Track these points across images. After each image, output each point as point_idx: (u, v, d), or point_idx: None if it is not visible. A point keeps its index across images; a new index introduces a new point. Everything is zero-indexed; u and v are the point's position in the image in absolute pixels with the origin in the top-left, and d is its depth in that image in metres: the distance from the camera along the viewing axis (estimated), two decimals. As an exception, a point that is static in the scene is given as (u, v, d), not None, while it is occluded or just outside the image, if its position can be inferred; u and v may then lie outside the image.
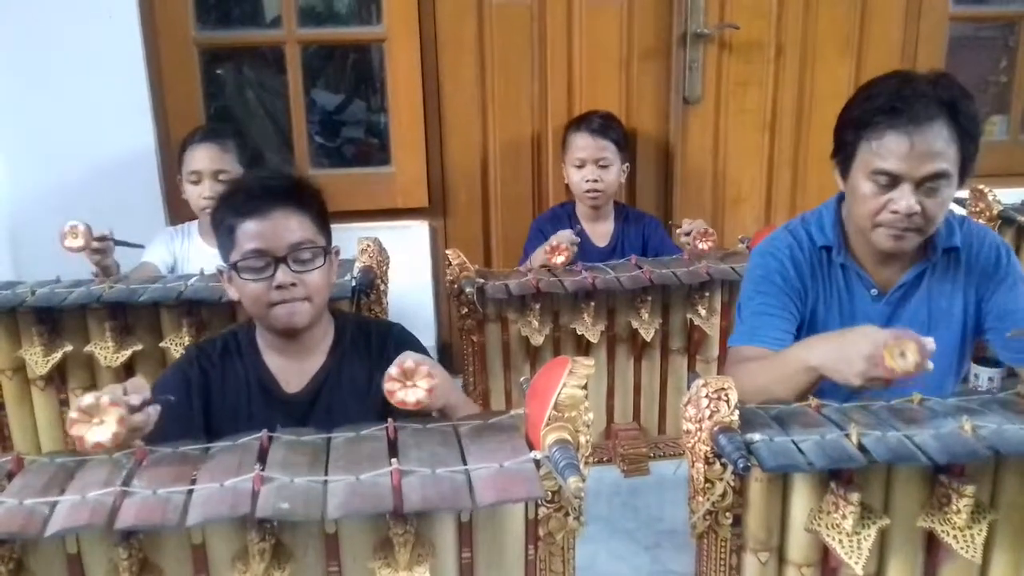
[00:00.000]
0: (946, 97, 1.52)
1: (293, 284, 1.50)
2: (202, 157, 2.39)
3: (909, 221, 1.54)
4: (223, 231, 1.55)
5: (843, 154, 1.63)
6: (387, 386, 1.26)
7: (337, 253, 1.65)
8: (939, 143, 1.50)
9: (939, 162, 1.51)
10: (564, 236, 2.34)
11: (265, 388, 1.60)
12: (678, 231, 2.49)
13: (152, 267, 2.38)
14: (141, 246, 2.38)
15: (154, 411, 1.25)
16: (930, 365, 1.29)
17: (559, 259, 2.29)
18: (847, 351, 1.35)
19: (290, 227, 1.51)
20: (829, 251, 1.71)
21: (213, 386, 1.59)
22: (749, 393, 1.33)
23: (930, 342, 1.29)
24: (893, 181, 1.54)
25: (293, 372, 1.61)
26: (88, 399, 1.14)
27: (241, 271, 1.52)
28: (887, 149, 1.53)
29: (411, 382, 1.26)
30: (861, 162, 1.58)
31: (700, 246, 2.36)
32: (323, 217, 1.60)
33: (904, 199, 1.53)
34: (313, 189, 1.62)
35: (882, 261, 1.68)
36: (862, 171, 1.58)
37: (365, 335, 1.67)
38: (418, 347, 1.68)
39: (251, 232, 1.50)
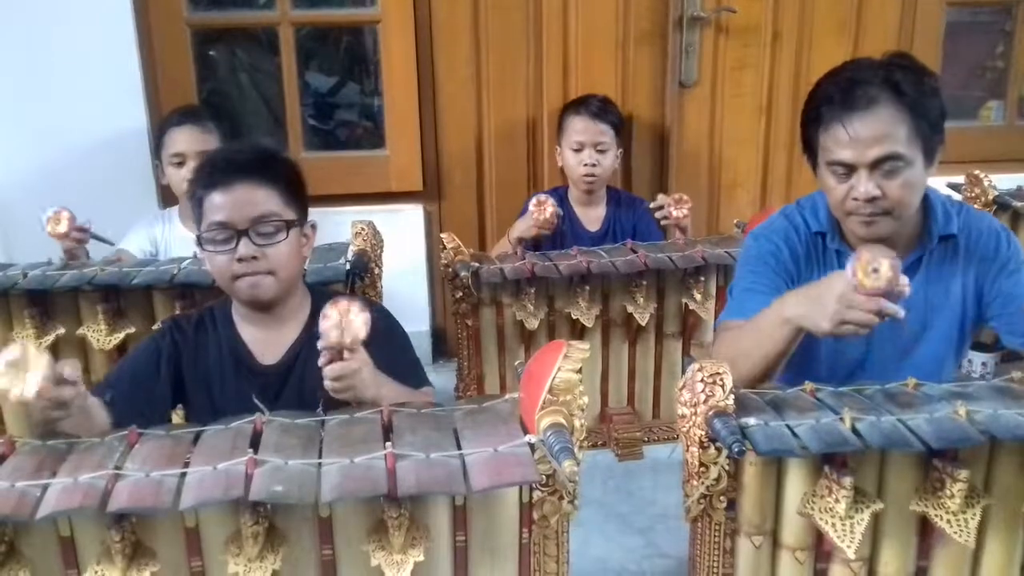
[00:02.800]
0: (889, 78, 1.51)
1: (255, 257, 1.51)
2: (184, 139, 2.36)
3: (874, 206, 1.54)
4: (194, 204, 1.57)
5: (808, 150, 1.65)
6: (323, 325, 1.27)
7: (313, 227, 1.65)
8: (882, 126, 1.50)
9: (886, 144, 1.50)
10: (544, 195, 2.37)
11: (239, 360, 1.61)
12: (652, 205, 2.49)
13: (128, 255, 2.35)
14: (112, 243, 2.34)
15: (80, 392, 1.23)
16: (906, 285, 1.33)
17: (547, 212, 2.30)
18: (818, 295, 1.38)
19: (253, 200, 1.51)
20: (824, 237, 1.71)
21: (185, 358, 1.60)
22: (733, 359, 1.33)
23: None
24: (848, 170, 1.54)
25: (267, 344, 1.62)
26: (14, 352, 1.13)
27: (205, 243, 1.53)
28: (833, 139, 1.54)
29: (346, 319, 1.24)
30: (820, 156, 1.60)
31: (675, 213, 2.35)
32: (293, 190, 1.59)
33: (861, 185, 1.53)
34: (284, 162, 1.61)
35: None
36: (822, 164, 1.60)
37: None
38: (396, 327, 1.69)
39: (215, 204, 1.51)
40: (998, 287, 1.64)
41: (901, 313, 1.34)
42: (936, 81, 1.56)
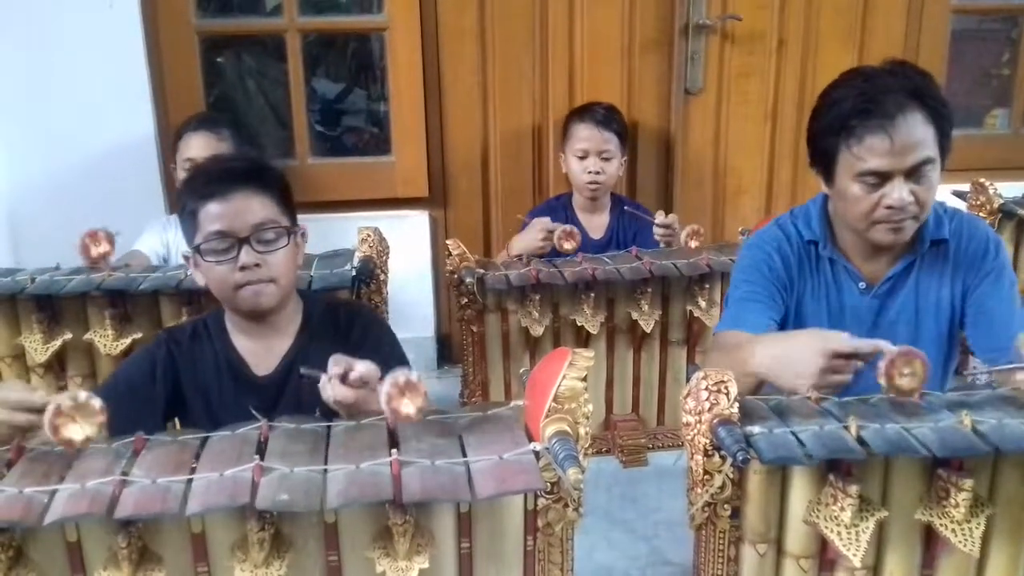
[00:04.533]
0: (910, 85, 1.53)
1: (257, 265, 1.50)
2: (197, 145, 2.39)
3: (904, 211, 1.55)
4: (186, 216, 1.55)
5: (823, 162, 1.63)
6: (385, 394, 1.17)
7: (304, 235, 1.64)
8: (917, 132, 1.52)
9: (922, 150, 1.52)
10: (546, 223, 2.38)
11: (235, 371, 1.60)
12: (659, 221, 2.47)
13: (142, 255, 2.37)
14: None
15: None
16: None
17: (570, 245, 2.30)
18: (794, 361, 1.34)
19: (252, 208, 1.50)
20: (816, 245, 1.72)
21: (182, 369, 1.60)
22: None
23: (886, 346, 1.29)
24: (883, 178, 1.54)
25: (262, 354, 1.61)
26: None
27: (205, 254, 1.52)
28: (869, 150, 1.53)
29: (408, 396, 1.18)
30: (845, 167, 1.58)
31: (691, 244, 2.36)
32: (286, 198, 1.59)
33: (897, 192, 1.53)
34: (275, 171, 1.62)
35: (869, 255, 1.68)
36: (848, 175, 1.58)
37: (333, 316, 1.67)
38: (385, 331, 1.69)
39: (213, 214, 1.49)
40: (976, 295, 1.65)
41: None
42: (939, 86, 1.58)
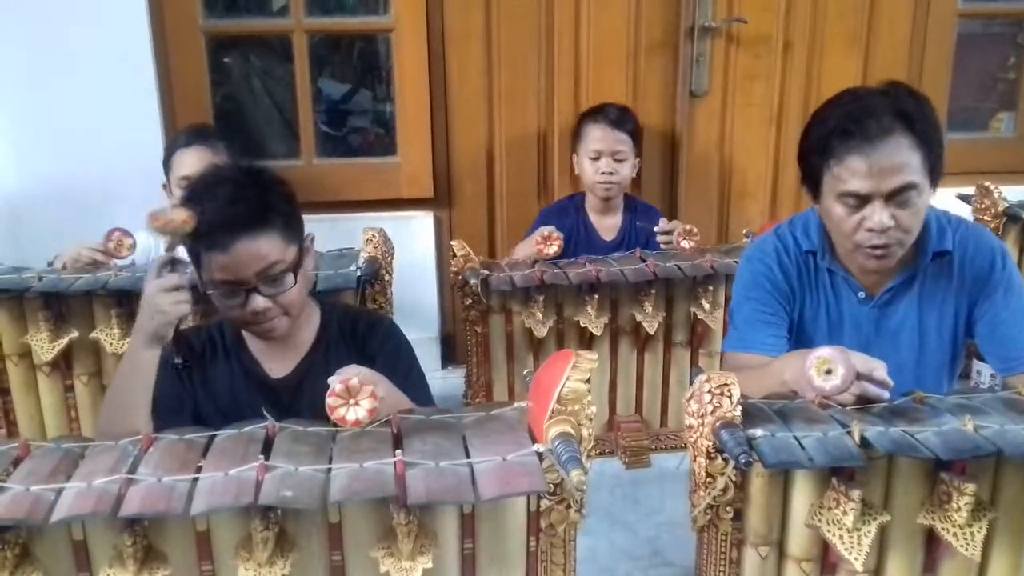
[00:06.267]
0: (899, 108, 1.51)
1: (268, 308, 1.49)
2: (192, 161, 2.28)
3: (886, 236, 1.54)
4: (189, 246, 1.51)
5: (810, 180, 1.64)
6: (329, 401, 1.21)
7: (312, 240, 1.62)
8: (899, 156, 1.50)
9: (903, 174, 1.50)
10: (545, 231, 2.37)
11: (249, 373, 1.60)
12: (656, 229, 2.49)
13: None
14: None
15: None
16: (873, 390, 1.31)
17: (552, 249, 2.31)
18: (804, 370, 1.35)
19: (257, 254, 1.46)
20: (814, 256, 1.71)
21: (195, 373, 1.60)
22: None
23: (881, 367, 1.31)
24: (862, 200, 1.53)
25: (277, 357, 1.61)
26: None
27: (212, 295, 1.51)
28: (848, 171, 1.52)
29: (354, 400, 1.21)
30: (828, 187, 1.58)
31: (684, 244, 2.37)
32: (291, 222, 1.53)
33: (876, 215, 1.52)
34: (276, 196, 1.53)
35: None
36: (831, 195, 1.58)
37: (352, 324, 1.66)
38: (404, 343, 1.67)
39: (218, 264, 1.46)
40: (987, 307, 1.64)
41: (885, 395, 1.32)
42: (934, 110, 1.56)
